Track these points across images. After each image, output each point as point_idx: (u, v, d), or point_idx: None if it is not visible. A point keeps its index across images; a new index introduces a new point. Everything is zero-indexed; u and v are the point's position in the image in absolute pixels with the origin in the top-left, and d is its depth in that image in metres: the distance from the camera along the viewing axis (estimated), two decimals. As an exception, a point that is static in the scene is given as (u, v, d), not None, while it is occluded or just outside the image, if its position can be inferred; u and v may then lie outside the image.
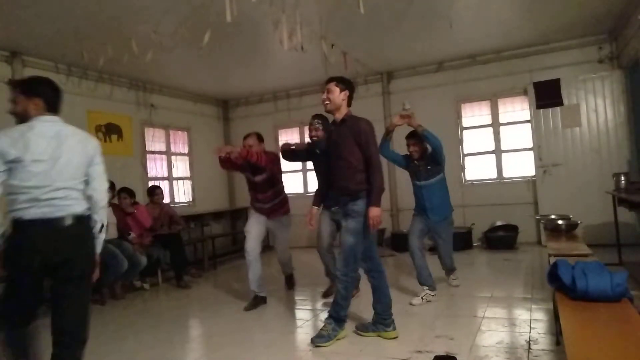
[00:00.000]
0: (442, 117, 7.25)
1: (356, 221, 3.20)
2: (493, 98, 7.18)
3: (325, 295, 4.57)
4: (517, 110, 7.08)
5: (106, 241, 5.37)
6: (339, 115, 3.32)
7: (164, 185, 7.37)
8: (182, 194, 8.14)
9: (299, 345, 3.46)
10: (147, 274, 5.67)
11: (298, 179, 8.60)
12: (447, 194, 4.38)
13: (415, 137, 4.21)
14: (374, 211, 3.14)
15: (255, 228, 4.49)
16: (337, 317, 3.32)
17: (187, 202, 8.17)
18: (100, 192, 2.43)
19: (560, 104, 6.50)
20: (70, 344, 2.35)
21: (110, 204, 5.41)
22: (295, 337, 3.68)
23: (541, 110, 6.61)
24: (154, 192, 6.11)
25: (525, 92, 6.81)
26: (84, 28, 4.76)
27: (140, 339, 3.79)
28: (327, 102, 3.31)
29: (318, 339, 3.26)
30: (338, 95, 3.28)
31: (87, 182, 2.38)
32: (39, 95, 2.30)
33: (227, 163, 4.34)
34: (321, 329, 3.34)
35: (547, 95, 6.55)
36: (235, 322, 4.00)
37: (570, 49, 6.57)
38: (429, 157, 4.24)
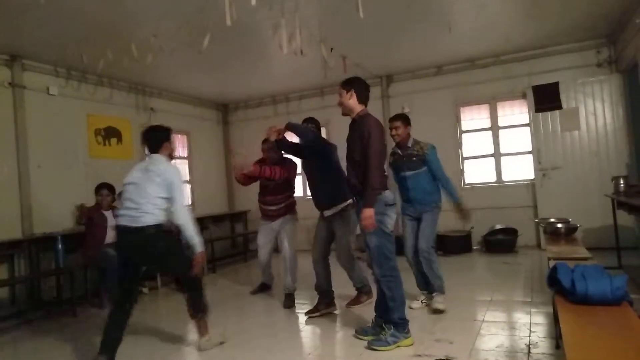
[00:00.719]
0: (441, 121, 7.26)
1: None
2: (492, 101, 7.19)
3: (310, 312, 4.20)
4: (516, 113, 7.09)
5: (105, 245, 5.37)
6: (353, 116, 3.35)
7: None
8: (181, 197, 8.12)
9: (300, 349, 3.45)
10: (146, 278, 5.66)
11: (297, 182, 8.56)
12: (435, 185, 4.03)
13: (397, 119, 4.06)
14: (366, 212, 3.05)
15: (264, 240, 4.82)
16: (394, 320, 3.19)
17: (187, 205, 8.14)
18: None
19: (559, 107, 6.52)
20: None
21: (110, 207, 5.40)
22: (297, 341, 3.67)
23: (540, 113, 6.62)
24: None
25: (524, 96, 6.83)
26: (83, 32, 4.76)
27: (139, 342, 3.78)
28: (340, 106, 3.38)
29: (375, 342, 3.18)
30: (345, 96, 3.31)
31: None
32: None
33: (244, 179, 4.58)
34: (380, 334, 3.25)
35: (546, 99, 6.56)
36: (235, 325, 3.99)
37: (569, 53, 6.59)
38: (416, 152, 4.00)
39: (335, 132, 7.83)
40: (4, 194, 5.21)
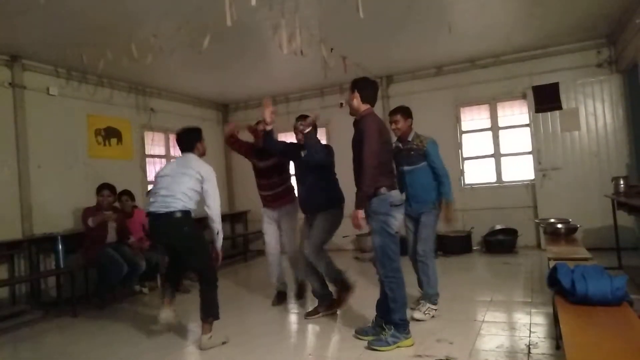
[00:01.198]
0: (441, 121, 7.25)
1: (374, 220, 3.17)
2: (492, 102, 7.19)
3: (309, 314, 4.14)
4: (516, 114, 7.09)
5: (106, 245, 5.37)
6: (357, 116, 3.35)
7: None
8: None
9: (300, 350, 3.45)
10: (146, 278, 5.66)
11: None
12: (434, 182, 3.91)
13: (397, 113, 3.99)
14: (353, 213, 3.11)
15: (270, 228, 4.64)
16: (394, 321, 3.19)
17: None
18: None
19: (559, 107, 6.52)
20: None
21: (111, 208, 5.40)
22: (297, 342, 3.67)
23: (540, 114, 6.62)
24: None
25: (524, 96, 6.83)
26: (83, 32, 4.76)
27: (139, 343, 3.78)
28: (348, 106, 3.39)
29: (375, 342, 3.19)
30: (351, 98, 3.33)
31: None
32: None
33: (232, 141, 4.63)
34: (381, 334, 3.26)
35: (546, 99, 6.56)
36: (234, 326, 3.99)
37: (569, 53, 6.59)
38: (416, 146, 3.93)
39: (335, 132, 7.84)
40: (4, 194, 5.21)
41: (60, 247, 5.17)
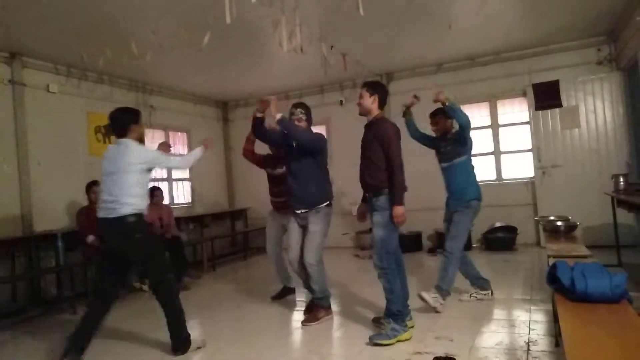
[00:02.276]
0: (441, 119, 7.26)
1: (381, 215, 3.29)
2: (492, 99, 7.19)
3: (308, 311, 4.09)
4: (516, 111, 7.10)
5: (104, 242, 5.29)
6: (370, 118, 3.46)
7: (164, 187, 7.35)
8: (181, 195, 8.14)
9: (300, 347, 3.46)
10: (145, 276, 5.65)
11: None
12: (471, 178, 4.04)
13: (437, 114, 4.17)
14: (397, 210, 3.22)
15: (272, 230, 4.65)
16: (392, 313, 3.28)
17: (187, 203, 8.17)
18: None
19: (559, 105, 6.51)
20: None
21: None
22: (297, 339, 3.68)
23: (540, 111, 6.62)
24: (154, 194, 6.10)
25: (524, 94, 6.82)
26: (83, 29, 4.76)
27: (138, 340, 3.78)
28: (359, 106, 3.47)
29: (376, 337, 3.23)
30: (368, 99, 3.41)
31: None
32: None
33: (249, 153, 4.50)
34: (381, 328, 3.33)
35: (546, 97, 6.56)
36: (234, 324, 4.00)
37: (569, 51, 6.59)
38: (454, 136, 4.07)
39: (335, 129, 7.83)
40: (4, 192, 5.21)
41: (60, 244, 5.18)
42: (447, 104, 3.88)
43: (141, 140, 3.43)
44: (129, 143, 3.25)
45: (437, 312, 3.79)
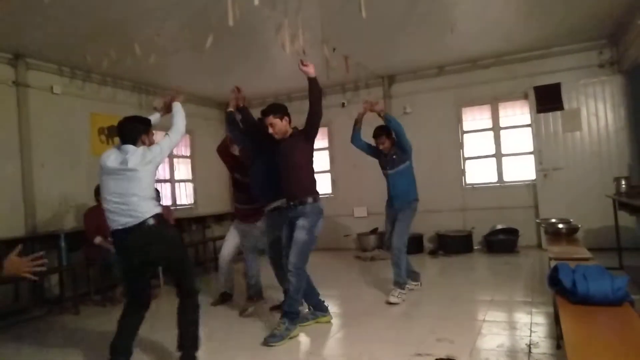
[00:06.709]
0: (443, 121, 7.27)
1: (307, 220, 3.46)
2: (494, 102, 7.20)
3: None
4: (517, 114, 7.10)
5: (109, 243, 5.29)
6: (285, 136, 3.65)
7: (166, 188, 7.38)
8: (184, 196, 8.16)
9: (299, 348, 3.47)
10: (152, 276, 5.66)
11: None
12: (413, 182, 4.51)
13: (383, 133, 4.45)
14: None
15: (232, 239, 4.83)
16: (291, 311, 3.48)
17: (189, 204, 8.18)
18: None
19: (561, 108, 6.52)
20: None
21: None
22: (297, 341, 3.68)
23: (542, 114, 6.63)
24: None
25: (525, 96, 6.83)
26: (87, 31, 4.78)
27: (138, 341, 3.79)
28: (276, 134, 3.63)
29: (271, 339, 3.38)
30: (281, 124, 3.63)
31: None
32: None
33: (224, 151, 4.52)
34: (275, 329, 3.46)
35: (547, 100, 6.57)
36: (235, 325, 4.01)
37: (570, 54, 6.59)
38: (396, 145, 4.46)
39: (337, 131, 7.83)
40: (7, 193, 5.23)
41: (63, 244, 5.20)
42: (381, 114, 4.33)
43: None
44: (130, 148, 2.98)
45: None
